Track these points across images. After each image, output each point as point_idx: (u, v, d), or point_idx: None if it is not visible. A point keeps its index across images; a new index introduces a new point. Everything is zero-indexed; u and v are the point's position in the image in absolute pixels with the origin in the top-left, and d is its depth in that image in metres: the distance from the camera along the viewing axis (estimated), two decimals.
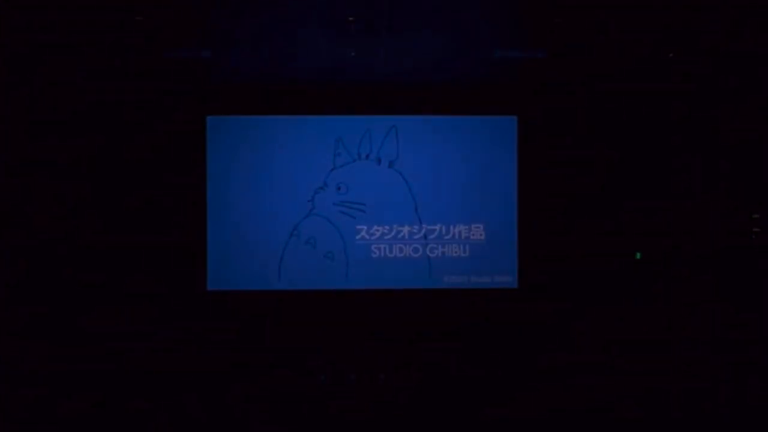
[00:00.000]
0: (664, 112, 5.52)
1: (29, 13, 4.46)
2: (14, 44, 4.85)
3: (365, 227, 5.60)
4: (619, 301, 5.44)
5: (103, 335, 5.18)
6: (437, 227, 5.63)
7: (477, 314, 5.50)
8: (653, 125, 5.53)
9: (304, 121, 5.58)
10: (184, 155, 5.46)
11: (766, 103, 5.22)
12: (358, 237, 5.59)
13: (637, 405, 4.62)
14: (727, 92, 5.35)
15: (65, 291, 5.25)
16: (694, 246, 5.47)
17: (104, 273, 5.32)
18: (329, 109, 5.57)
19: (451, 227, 5.63)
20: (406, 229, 5.62)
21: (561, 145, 5.56)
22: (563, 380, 4.89)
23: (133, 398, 4.71)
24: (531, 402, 4.66)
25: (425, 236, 5.63)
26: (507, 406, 4.62)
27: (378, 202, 5.61)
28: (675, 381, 4.82)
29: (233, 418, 4.67)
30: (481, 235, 5.63)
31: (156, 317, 5.28)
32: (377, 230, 5.61)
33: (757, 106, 5.27)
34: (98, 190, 5.35)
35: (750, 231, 5.38)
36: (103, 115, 5.36)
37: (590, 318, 5.41)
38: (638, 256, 5.54)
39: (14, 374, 4.81)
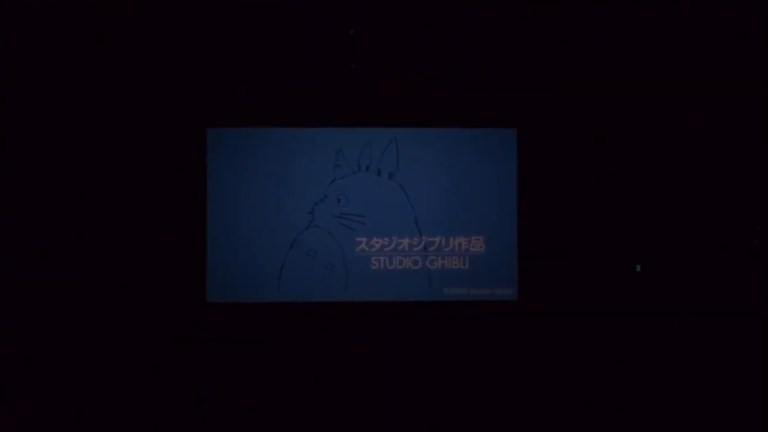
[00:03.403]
0: (666, 123, 5.52)
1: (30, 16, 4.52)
2: (15, 50, 4.91)
3: (365, 239, 5.59)
4: (619, 314, 5.41)
5: (101, 345, 5.17)
6: (437, 239, 5.62)
7: (477, 326, 5.47)
8: (654, 136, 5.53)
9: (304, 133, 5.59)
10: (185, 167, 5.47)
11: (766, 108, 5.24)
12: (357, 249, 5.59)
13: (640, 415, 4.60)
14: (727, 101, 5.37)
15: (62, 301, 5.24)
16: (695, 258, 5.45)
17: (103, 283, 5.32)
18: (329, 121, 5.58)
19: (451, 239, 5.62)
20: (405, 241, 5.61)
21: (561, 156, 5.56)
22: (563, 393, 4.87)
23: (131, 410, 4.70)
24: (531, 414, 4.65)
25: (425, 248, 5.62)
26: (507, 418, 4.61)
27: (378, 214, 5.61)
28: (678, 391, 4.80)
29: (232, 428, 4.66)
30: (481, 247, 5.62)
31: (155, 328, 5.28)
32: (377, 242, 5.60)
33: (758, 112, 5.29)
34: (98, 202, 5.35)
35: (751, 242, 5.36)
36: (103, 126, 5.38)
37: (590, 330, 5.38)
38: (638, 268, 5.52)
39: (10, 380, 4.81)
